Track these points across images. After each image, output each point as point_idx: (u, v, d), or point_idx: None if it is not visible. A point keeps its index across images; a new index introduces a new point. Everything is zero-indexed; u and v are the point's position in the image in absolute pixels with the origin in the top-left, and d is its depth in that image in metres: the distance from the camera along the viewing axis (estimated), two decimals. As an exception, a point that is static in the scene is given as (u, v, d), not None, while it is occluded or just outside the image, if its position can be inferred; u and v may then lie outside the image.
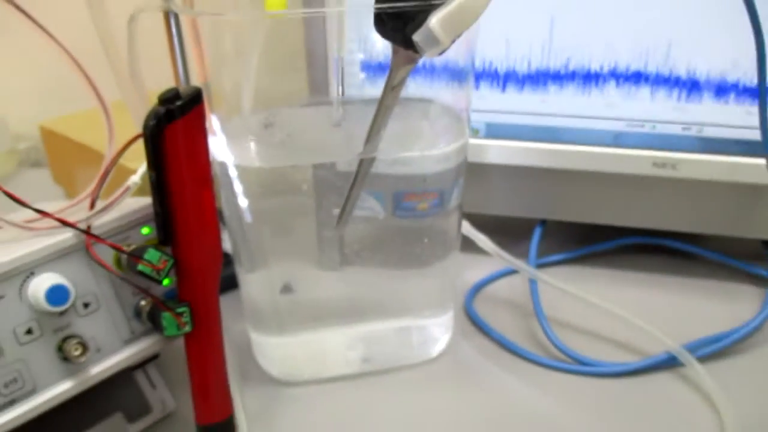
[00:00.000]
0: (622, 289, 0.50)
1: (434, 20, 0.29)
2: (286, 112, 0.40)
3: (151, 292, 0.32)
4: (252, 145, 0.38)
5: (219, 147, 0.36)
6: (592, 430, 0.37)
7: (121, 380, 0.37)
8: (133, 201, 0.34)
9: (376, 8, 0.30)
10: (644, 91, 0.46)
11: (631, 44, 0.45)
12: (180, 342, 0.35)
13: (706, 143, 0.46)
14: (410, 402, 0.40)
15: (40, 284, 0.30)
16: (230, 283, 0.42)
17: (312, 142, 0.40)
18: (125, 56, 0.34)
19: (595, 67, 0.46)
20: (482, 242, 0.44)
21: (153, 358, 0.38)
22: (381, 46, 0.35)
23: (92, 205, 0.33)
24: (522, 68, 0.47)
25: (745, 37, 0.41)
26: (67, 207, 0.35)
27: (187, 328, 0.32)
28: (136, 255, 0.30)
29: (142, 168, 0.32)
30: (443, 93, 0.38)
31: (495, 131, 0.50)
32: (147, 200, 0.33)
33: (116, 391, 0.37)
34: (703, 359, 0.41)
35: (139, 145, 0.32)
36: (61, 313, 0.31)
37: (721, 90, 0.45)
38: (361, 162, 0.35)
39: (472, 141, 0.49)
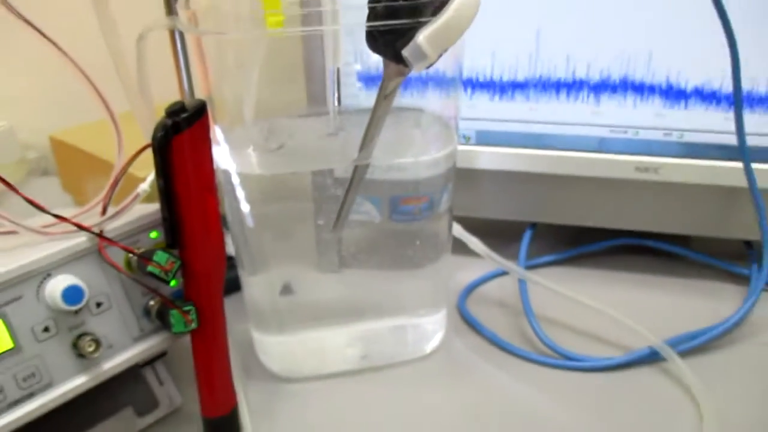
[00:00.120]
0: (609, 288, 0.52)
1: (422, 37, 0.31)
2: (285, 122, 0.43)
3: (159, 291, 0.34)
4: (253, 153, 0.40)
5: (222, 156, 0.38)
6: (578, 422, 0.39)
7: (131, 377, 0.39)
8: (142, 207, 0.37)
9: (368, 26, 0.32)
10: (626, 98, 0.48)
11: (613, 54, 0.47)
12: (186, 341, 0.37)
13: (686, 148, 0.49)
14: (406, 396, 0.42)
15: (57, 285, 0.32)
16: (234, 286, 0.44)
17: (310, 150, 0.42)
18: (134, 71, 0.36)
19: (579, 76, 0.48)
20: (474, 245, 0.46)
21: (161, 355, 0.40)
22: (376, 58, 0.37)
23: (104, 211, 0.35)
24: (510, 78, 0.49)
25: (720, 48, 0.43)
26: (80, 213, 0.37)
27: (194, 325, 0.34)
28: (146, 257, 0.32)
29: (151, 176, 0.34)
30: (433, 102, 0.40)
31: (485, 138, 0.52)
32: (155, 206, 0.36)
33: (126, 387, 0.39)
34: (684, 354, 0.43)
35: (147, 155, 0.34)
36: (76, 312, 0.33)
37: (700, 97, 0.47)
38: (355, 168, 0.37)
39: (464, 148, 0.52)
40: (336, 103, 0.43)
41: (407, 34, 0.32)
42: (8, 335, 0.31)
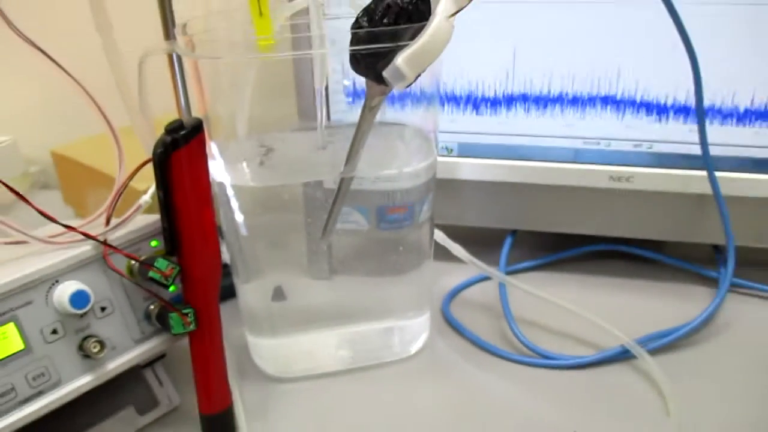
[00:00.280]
0: (585, 291, 0.54)
1: (400, 59, 0.34)
2: (277, 137, 0.45)
3: (160, 295, 0.37)
4: (247, 167, 0.43)
5: (218, 169, 0.41)
6: (554, 416, 0.42)
7: (132, 378, 0.41)
8: (143, 217, 0.39)
9: (352, 50, 0.35)
10: (598, 112, 0.51)
11: (585, 70, 0.50)
12: (183, 344, 0.39)
13: (656, 158, 0.52)
14: (392, 394, 0.44)
15: (65, 290, 0.35)
16: (229, 293, 0.46)
17: (300, 163, 0.45)
18: (135, 91, 0.39)
19: (554, 91, 0.51)
20: (457, 251, 0.49)
21: (160, 357, 0.43)
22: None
23: (108, 222, 0.38)
24: (489, 93, 0.52)
25: (683, 65, 0.46)
26: (85, 223, 0.39)
27: (192, 327, 0.36)
28: (148, 263, 0.35)
29: (152, 188, 0.36)
30: (414, 117, 0.43)
31: (467, 150, 0.55)
32: (155, 217, 0.38)
33: (128, 388, 0.41)
34: (653, 352, 0.45)
35: (146, 169, 0.37)
36: (82, 316, 0.36)
37: (666, 111, 0.50)
38: (342, 180, 0.40)
39: (447, 159, 0.55)
40: (325, 119, 0.46)
41: (387, 57, 0.34)
42: (20, 337, 0.34)
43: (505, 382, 0.45)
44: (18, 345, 0.34)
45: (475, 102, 0.53)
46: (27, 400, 0.34)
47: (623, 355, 0.46)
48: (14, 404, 0.34)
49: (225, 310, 0.39)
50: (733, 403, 0.42)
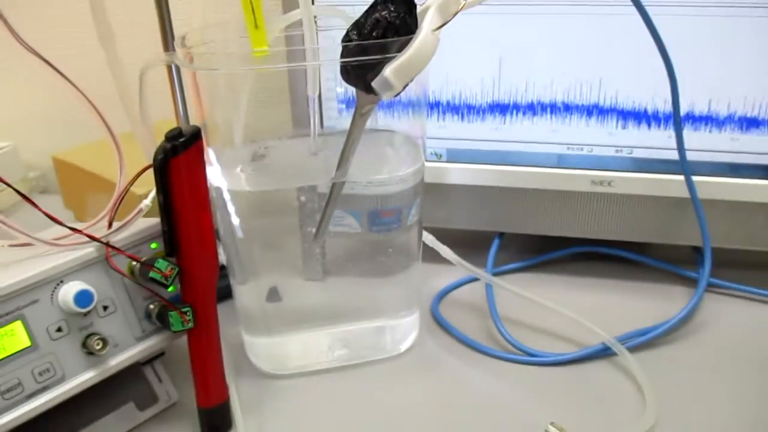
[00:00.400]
0: (569, 292, 0.56)
1: (388, 71, 0.36)
2: (272, 144, 0.47)
3: (160, 295, 0.39)
4: (242, 172, 0.45)
5: (215, 174, 0.42)
6: (538, 410, 0.43)
7: (132, 375, 0.43)
8: (143, 221, 0.41)
9: (342, 61, 0.37)
10: (581, 119, 0.53)
11: (568, 79, 0.52)
12: (181, 342, 0.41)
13: (636, 163, 0.54)
14: (383, 390, 0.46)
15: (69, 290, 0.36)
16: (226, 294, 0.48)
17: (294, 169, 0.46)
18: (136, 100, 0.40)
19: (538, 99, 0.53)
20: (446, 253, 0.51)
21: (159, 355, 0.44)
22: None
23: (110, 225, 0.39)
24: (477, 101, 0.54)
25: (661, 74, 0.48)
26: (89, 226, 0.41)
27: (190, 325, 0.38)
28: (149, 264, 0.37)
29: (152, 193, 0.38)
30: (403, 124, 0.45)
31: (455, 156, 0.57)
32: (155, 220, 0.40)
33: (128, 384, 0.43)
34: (633, 349, 0.48)
35: (145, 174, 0.38)
36: (85, 314, 0.37)
37: (645, 118, 0.52)
38: (333, 185, 0.42)
39: (437, 164, 0.57)
40: (318, 126, 0.47)
41: (376, 68, 0.36)
42: (26, 335, 0.36)
43: (491, 378, 0.47)
44: (25, 342, 0.36)
45: (463, 109, 0.55)
46: (33, 395, 0.36)
47: (604, 352, 0.48)
48: (21, 398, 0.35)
49: (222, 310, 0.41)
50: (708, 398, 0.44)
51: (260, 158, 0.45)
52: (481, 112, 0.55)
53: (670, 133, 0.51)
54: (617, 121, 0.53)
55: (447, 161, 0.57)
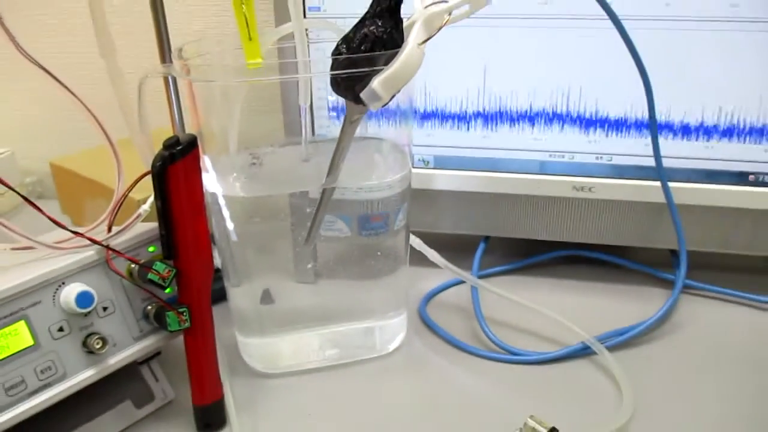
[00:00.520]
0: (552, 293, 0.59)
1: (376, 83, 0.38)
2: (265, 151, 0.49)
3: (158, 296, 0.41)
4: (237, 178, 0.46)
5: (210, 181, 0.44)
6: (520, 406, 0.45)
7: (130, 374, 0.45)
8: (140, 225, 0.43)
9: (332, 74, 0.39)
10: (562, 127, 0.55)
11: (550, 89, 0.54)
12: (176, 343, 0.43)
13: (615, 170, 0.56)
14: (372, 387, 0.48)
15: (71, 291, 0.38)
16: (221, 296, 0.50)
17: (286, 175, 0.48)
18: (135, 109, 0.42)
19: (522, 108, 0.55)
20: (433, 257, 0.53)
21: (156, 354, 0.46)
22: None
23: (109, 229, 0.41)
24: (463, 110, 0.57)
25: (638, 84, 0.50)
26: (89, 230, 0.43)
27: (187, 325, 0.40)
28: (147, 266, 0.38)
29: (150, 199, 0.40)
30: (391, 132, 0.47)
31: (442, 162, 0.59)
32: (152, 224, 0.42)
33: (125, 383, 0.45)
34: (611, 348, 0.50)
35: (142, 180, 0.40)
36: (86, 315, 0.39)
37: (624, 126, 0.54)
38: (323, 191, 0.44)
39: (424, 171, 0.59)
40: (309, 134, 0.49)
41: (364, 80, 0.38)
42: (29, 334, 0.37)
43: (476, 375, 0.49)
44: (28, 341, 0.37)
45: (449, 118, 0.57)
46: (36, 392, 0.37)
47: (584, 351, 0.50)
48: (24, 395, 0.37)
49: (216, 311, 0.43)
50: (683, 394, 0.46)
51: (254, 165, 0.47)
52: (466, 121, 0.57)
53: (647, 141, 0.54)
54: (597, 130, 0.55)
55: (434, 168, 0.59)
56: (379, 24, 0.38)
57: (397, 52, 0.38)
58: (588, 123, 0.55)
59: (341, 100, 0.41)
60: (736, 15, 0.49)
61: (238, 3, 0.40)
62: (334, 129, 0.53)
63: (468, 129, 0.57)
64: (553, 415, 0.40)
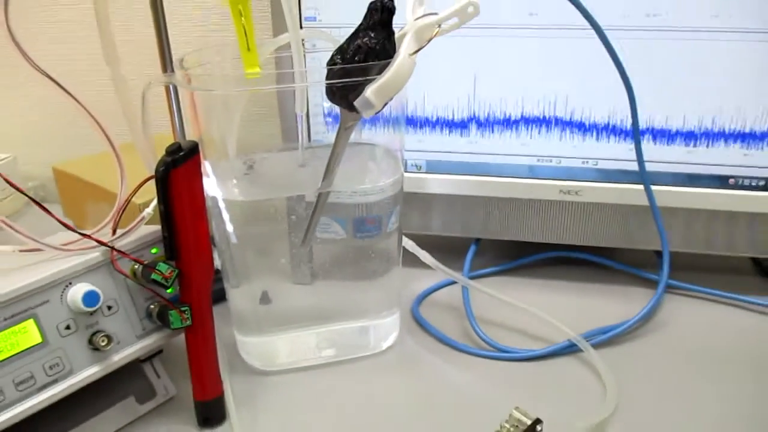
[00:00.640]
0: (540, 293, 0.60)
1: (369, 91, 0.40)
2: (263, 156, 0.51)
3: (161, 295, 0.42)
4: (236, 183, 0.48)
5: (211, 185, 0.46)
6: (508, 400, 0.46)
7: (132, 371, 0.46)
8: (144, 228, 0.44)
9: (327, 83, 0.41)
10: (550, 133, 0.57)
11: (537, 96, 0.56)
12: (177, 341, 0.44)
13: (601, 174, 0.58)
14: (366, 384, 0.50)
15: (77, 291, 0.40)
16: (220, 297, 0.51)
17: (283, 180, 0.50)
18: (138, 116, 0.44)
19: (511, 114, 0.57)
20: (425, 258, 0.54)
21: (157, 352, 0.48)
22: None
23: (114, 231, 0.43)
24: (454, 116, 0.59)
25: (622, 91, 0.52)
26: (95, 232, 0.44)
27: (188, 323, 0.42)
28: (151, 266, 0.40)
29: (154, 202, 0.42)
30: (383, 138, 0.49)
31: (434, 167, 0.61)
32: (155, 227, 0.44)
33: (129, 380, 0.46)
34: (597, 346, 0.51)
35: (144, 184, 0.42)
36: (92, 313, 0.41)
37: (608, 132, 0.56)
38: (319, 195, 0.45)
39: (416, 175, 0.61)
40: (306, 140, 0.51)
41: (358, 89, 0.40)
42: (38, 332, 0.39)
43: (466, 372, 0.51)
44: (37, 338, 0.39)
45: (441, 124, 0.59)
46: (44, 387, 0.39)
47: (570, 349, 0.52)
48: (33, 390, 0.39)
49: (216, 311, 0.44)
50: (665, 390, 0.48)
51: (252, 170, 0.49)
52: (457, 127, 0.59)
53: (631, 146, 0.56)
54: (583, 135, 0.57)
55: (426, 172, 0.61)
56: (372, 36, 0.40)
57: (389, 63, 0.40)
58: (574, 128, 0.57)
59: (336, 108, 0.43)
60: (716, 26, 0.52)
61: (237, 14, 0.42)
62: (330, 135, 0.56)
63: (459, 135, 0.59)
64: (540, 408, 0.42)
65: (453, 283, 0.62)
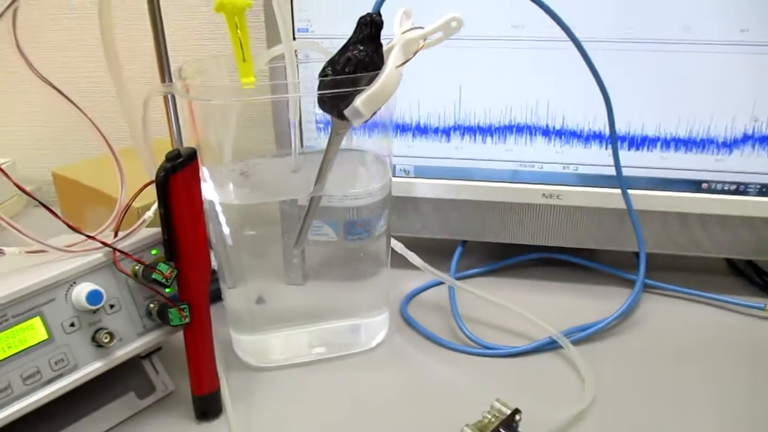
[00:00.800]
0: (524, 293, 0.63)
1: (359, 101, 0.42)
2: (257, 162, 0.53)
3: (162, 293, 0.44)
4: (232, 187, 0.50)
5: (208, 190, 0.48)
6: (491, 394, 0.48)
7: (133, 367, 0.48)
8: (145, 230, 0.47)
9: (319, 93, 0.43)
10: (532, 139, 0.60)
11: (520, 104, 0.59)
12: (175, 339, 0.46)
13: (581, 178, 0.61)
14: (357, 380, 0.52)
15: (82, 290, 0.42)
16: (217, 296, 0.53)
17: (277, 184, 0.52)
18: (139, 123, 0.46)
19: (495, 121, 0.60)
20: (414, 259, 0.57)
21: (156, 350, 0.50)
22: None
23: (116, 234, 0.45)
24: (440, 124, 0.61)
25: (600, 99, 0.55)
26: (97, 233, 0.46)
27: (187, 320, 0.44)
28: (152, 266, 0.42)
29: (154, 206, 0.44)
30: (373, 144, 0.51)
31: (422, 172, 0.63)
32: (155, 229, 0.46)
33: (129, 376, 0.48)
34: (576, 342, 0.54)
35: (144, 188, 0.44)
36: (95, 311, 0.43)
37: (588, 138, 0.59)
38: (311, 199, 0.48)
39: (405, 180, 0.63)
40: (298, 146, 0.53)
41: (348, 99, 0.42)
42: (44, 329, 0.41)
43: (452, 368, 0.53)
44: (43, 335, 0.41)
45: (428, 131, 0.62)
46: (50, 381, 0.41)
47: (551, 345, 0.54)
48: (39, 384, 0.41)
49: (212, 311, 0.46)
50: (641, 384, 0.51)
51: (247, 175, 0.51)
52: (444, 134, 0.61)
53: (609, 152, 0.58)
54: (564, 141, 0.59)
55: (414, 177, 0.63)
56: (361, 49, 0.42)
57: (377, 74, 0.42)
58: (555, 135, 0.59)
59: (327, 116, 0.45)
60: (688, 38, 0.54)
61: (234, 27, 0.44)
62: (321, 142, 0.58)
63: (446, 141, 0.62)
64: (521, 400, 0.44)
65: (440, 283, 0.64)
